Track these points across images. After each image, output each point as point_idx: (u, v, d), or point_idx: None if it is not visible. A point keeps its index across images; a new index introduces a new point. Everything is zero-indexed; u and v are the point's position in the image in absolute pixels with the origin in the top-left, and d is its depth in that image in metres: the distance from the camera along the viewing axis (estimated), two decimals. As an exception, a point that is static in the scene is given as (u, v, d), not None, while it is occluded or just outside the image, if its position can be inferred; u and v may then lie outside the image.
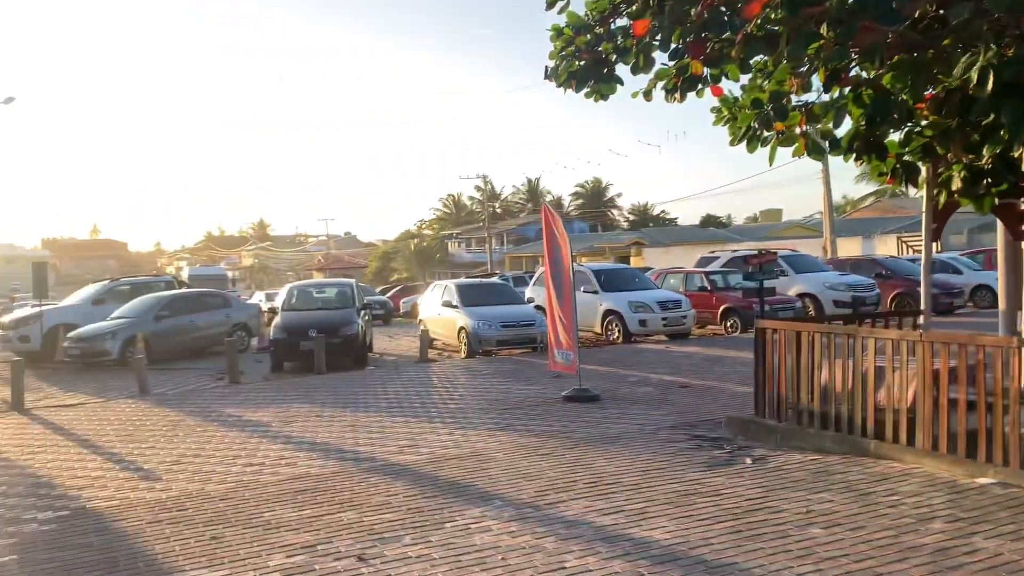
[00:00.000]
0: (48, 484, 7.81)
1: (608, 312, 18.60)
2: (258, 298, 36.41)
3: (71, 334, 18.72)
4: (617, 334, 18.36)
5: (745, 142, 6.55)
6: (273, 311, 18.11)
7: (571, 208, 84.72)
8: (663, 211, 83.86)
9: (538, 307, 18.78)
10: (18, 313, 20.67)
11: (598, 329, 18.86)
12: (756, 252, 22.72)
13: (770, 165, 7.00)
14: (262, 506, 6.60)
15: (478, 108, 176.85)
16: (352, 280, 19.53)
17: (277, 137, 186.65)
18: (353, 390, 12.88)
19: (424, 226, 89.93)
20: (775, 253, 21.99)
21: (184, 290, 21.95)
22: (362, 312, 17.75)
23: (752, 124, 6.52)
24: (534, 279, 22.30)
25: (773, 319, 19.39)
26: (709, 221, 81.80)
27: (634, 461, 7.45)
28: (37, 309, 20.55)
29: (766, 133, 6.49)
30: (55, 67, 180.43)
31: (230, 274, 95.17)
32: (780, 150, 6.56)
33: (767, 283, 20.21)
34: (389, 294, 40.09)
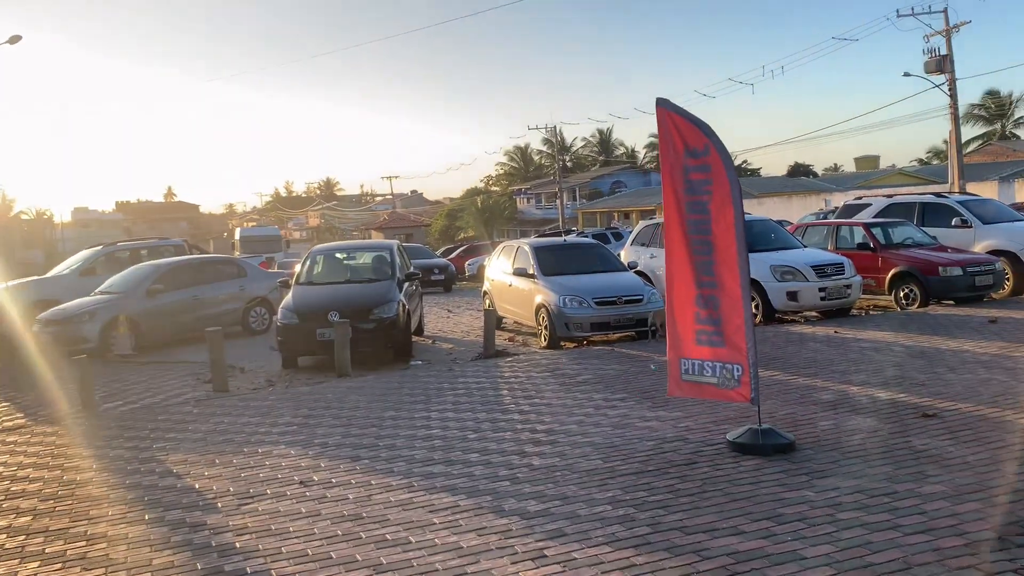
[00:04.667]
0: None
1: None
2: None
3: (41, 315, 14.63)
4: (755, 312, 13.33)
5: None
6: (285, 284, 13.50)
7: (647, 160, 78.72)
8: (745, 160, 77.09)
9: (639, 273, 13.88)
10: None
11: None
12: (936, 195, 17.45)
13: None
14: None
15: (545, 50, 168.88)
16: (393, 242, 14.80)
17: (344, 93, 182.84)
18: (379, 415, 8.25)
19: (491, 182, 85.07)
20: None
21: (187, 257, 17.65)
22: (406, 284, 13.08)
23: None
24: (633, 235, 17.20)
25: (969, 285, 14.37)
26: (798, 170, 75.01)
27: None
28: (7, 284, 16.57)
29: None
30: (129, 31, 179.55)
31: (297, 235, 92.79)
32: None
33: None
34: (452, 255, 35.56)
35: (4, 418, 9.76)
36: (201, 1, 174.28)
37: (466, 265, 32.50)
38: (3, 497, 6.18)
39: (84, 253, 18.28)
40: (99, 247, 18.48)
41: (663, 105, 6.40)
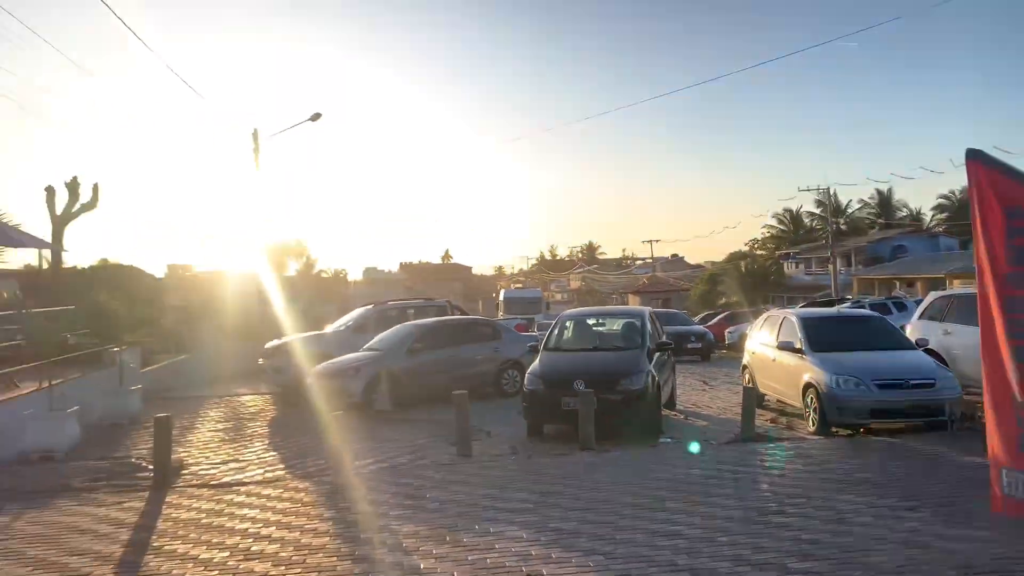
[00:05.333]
0: None
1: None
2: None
3: (316, 368, 15.63)
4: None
5: None
6: (534, 349, 13.24)
7: (934, 223, 71.58)
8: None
9: (929, 352, 12.02)
10: (276, 340, 18.34)
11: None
12: None
13: None
14: None
15: (817, 109, 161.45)
16: (645, 309, 14.12)
17: (606, 159, 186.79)
18: (620, 501, 7.52)
19: (756, 245, 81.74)
20: None
21: (447, 318, 18.16)
22: (657, 354, 12.31)
23: None
24: (922, 307, 15.10)
25: None
26: None
27: None
28: (292, 337, 17.99)
29: None
30: (377, 92, 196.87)
31: (559, 296, 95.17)
32: None
33: None
34: (712, 322, 34.08)
35: (268, 467, 10.26)
36: (468, 70, 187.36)
37: (726, 333, 30.94)
38: (241, 558, 6.23)
39: (358, 311, 19.48)
40: (370, 306, 19.62)
41: (975, 157, 5.21)
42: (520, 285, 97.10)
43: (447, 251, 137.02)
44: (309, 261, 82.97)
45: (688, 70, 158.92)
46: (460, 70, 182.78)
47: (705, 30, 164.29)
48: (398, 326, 16.86)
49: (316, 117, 27.72)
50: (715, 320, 35.14)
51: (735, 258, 73.34)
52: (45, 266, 19.51)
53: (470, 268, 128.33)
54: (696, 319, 35.52)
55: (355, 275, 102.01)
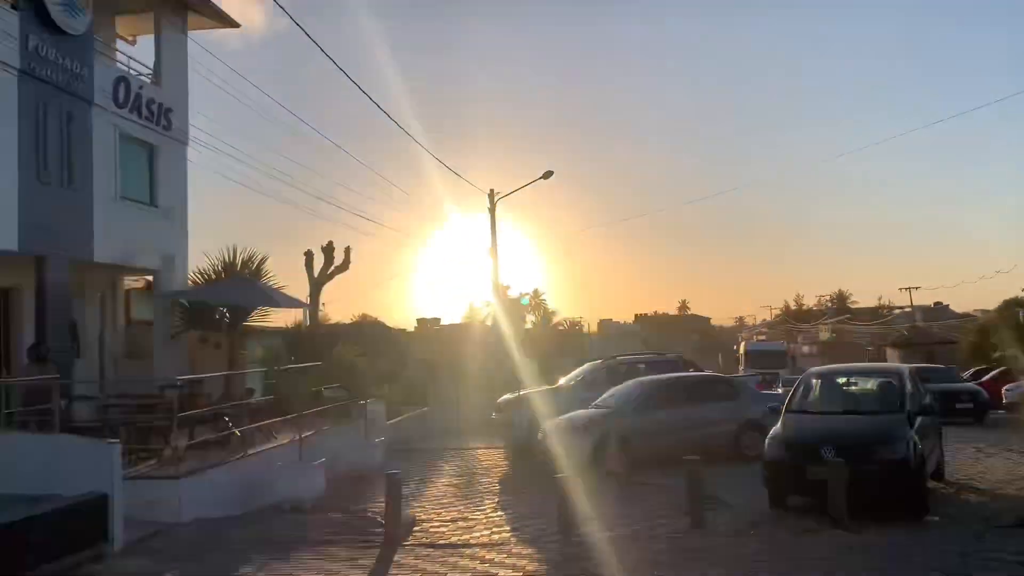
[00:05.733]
0: None
1: None
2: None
3: (544, 425, 15.54)
4: None
5: None
6: (775, 410, 12.20)
7: None
8: None
9: None
10: (508, 395, 18.53)
11: None
12: None
13: None
14: None
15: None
16: (904, 367, 12.56)
17: (858, 199, 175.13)
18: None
19: (1035, 294, 72.28)
20: None
21: (680, 374, 17.40)
22: (920, 418, 10.85)
23: None
24: None
25: None
26: None
27: None
28: (524, 392, 18.11)
29: None
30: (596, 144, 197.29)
31: (806, 349, 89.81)
32: None
33: None
34: (985, 379, 30.23)
35: (494, 529, 10.16)
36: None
37: (1003, 391, 27.21)
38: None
39: (587, 365, 19.30)
40: (599, 360, 19.36)
41: None
42: (763, 337, 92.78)
43: (683, 302, 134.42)
44: (546, 313, 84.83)
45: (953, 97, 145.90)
46: (688, 121, 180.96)
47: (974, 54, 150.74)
48: (628, 382, 16.42)
49: (548, 175, 28.32)
50: (989, 376, 31.13)
51: (1010, 305, 65.20)
52: (305, 323, 21.26)
53: (708, 319, 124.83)
54: (966, 375, 31.73)
55: (591, 327, 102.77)
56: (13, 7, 13.18)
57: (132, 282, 19.32)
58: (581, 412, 15.51)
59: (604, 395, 16.18)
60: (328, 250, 20.79)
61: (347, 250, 21.13)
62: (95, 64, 15.06)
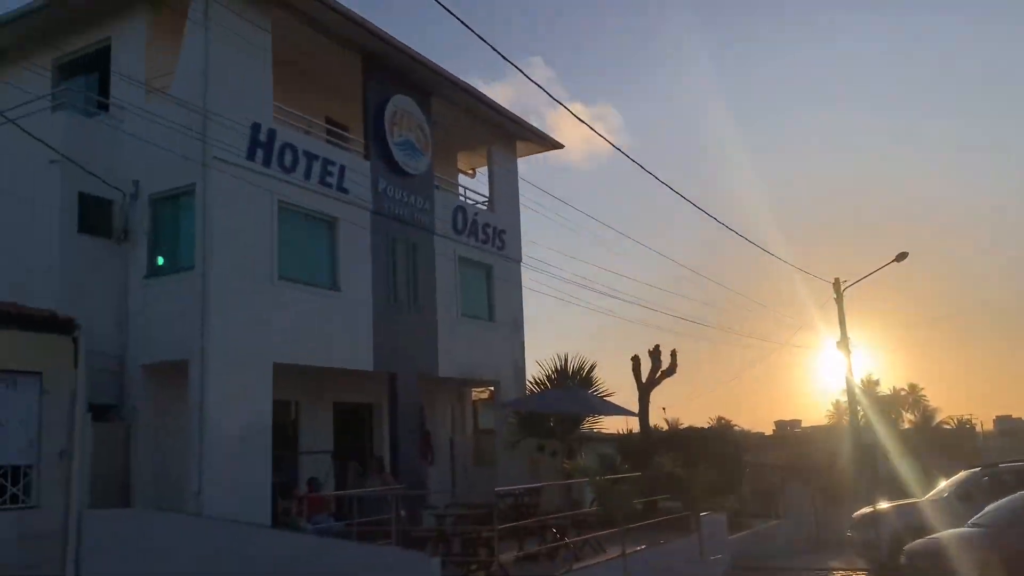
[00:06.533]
0: None
1: None
2: None
3: (908, 546, 13.40)
4: None
5: None
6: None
7: None
8: None
9: None
10: (866, 508, 16.30)
11: None
12: None
13: None
14: None
15: None
16: None
17: None
18: None
19: None
20: None
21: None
22: None
23: None
24: None
25: None
26: None
27: None
28: (883, 506, 15.88)
29: None
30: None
31: None
32: None
33: None
34: None
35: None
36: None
37: None
38: None
39: (962, 474, 16.44)
40: (977, 468, 16.42)
41: None
42: None
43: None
44: (926, 412, 75.41)
45: None
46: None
47: None
48: (1015, 495, 13.60)
49: (901, 257, 25.53)
50: None
51: None
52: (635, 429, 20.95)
53: None
54: None
55: (984, 425, 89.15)
56: (365, 158, 15.28)
57: (479, 393, 20.73)
58: (952, 532, 13.13)
59: (984, 510, 13.58)
60: (655, 354, 20.51)
61: (673, 353, 20.67)
62: (435, 197, 16.81)
